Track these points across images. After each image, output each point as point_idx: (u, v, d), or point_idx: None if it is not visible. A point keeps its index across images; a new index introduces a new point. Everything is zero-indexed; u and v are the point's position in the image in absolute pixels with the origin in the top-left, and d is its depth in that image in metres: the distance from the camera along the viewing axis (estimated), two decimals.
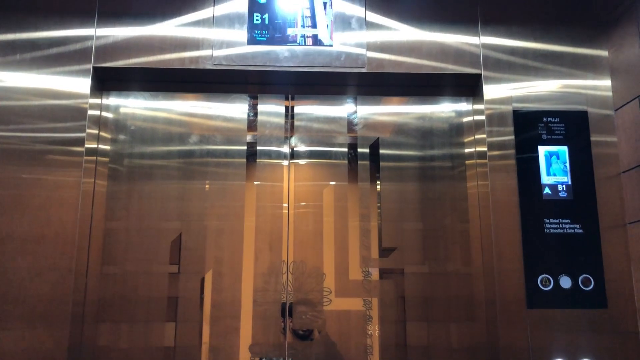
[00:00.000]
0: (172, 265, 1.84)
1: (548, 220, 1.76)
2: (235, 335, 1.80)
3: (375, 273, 1.89)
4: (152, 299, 1.80)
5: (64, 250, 1.68)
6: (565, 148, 1.82)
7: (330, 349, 1.83)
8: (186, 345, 1.79)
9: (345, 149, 1.97)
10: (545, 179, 1.79)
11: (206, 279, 1.84)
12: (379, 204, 1.95)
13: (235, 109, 1.97)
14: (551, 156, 1.81)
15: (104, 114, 1.93)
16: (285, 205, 1.91)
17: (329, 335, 1.85)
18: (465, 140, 1.97)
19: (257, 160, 1.94)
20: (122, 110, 1.95)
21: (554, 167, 1.80)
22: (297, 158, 1.96)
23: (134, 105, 1.96)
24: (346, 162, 1.97)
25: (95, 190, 1.84)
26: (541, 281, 1.71)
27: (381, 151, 1.96)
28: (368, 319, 1.86)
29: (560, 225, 1.76)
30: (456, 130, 1.99)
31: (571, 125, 1.84)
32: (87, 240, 1.78)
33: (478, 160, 1.90)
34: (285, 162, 1.95)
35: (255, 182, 1.93)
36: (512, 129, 1.83)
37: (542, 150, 1.82)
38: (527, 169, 1.80)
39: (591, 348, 1.67)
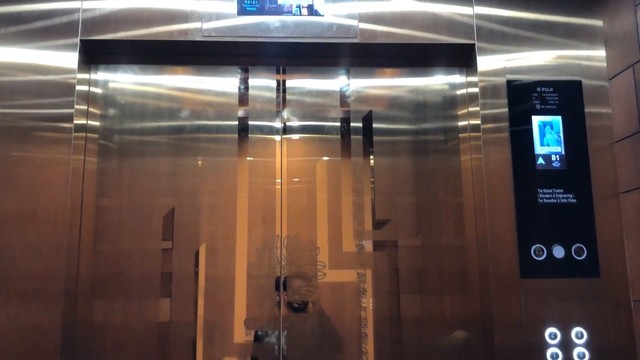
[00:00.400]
0: (165, 241, 1.83)
1: (541, 191, 1.76)
2: (230, 310, 1.80)
3: (368, 246, 1.89)
4: (146, 275, 1.79)
5: (55, 227, 1.66)
6: (559, 118, 1.81)
7: (325, 321, 1.84)
8: (181, 320, 1.79)
9: (338, 123, 1.95)
10: (539, 149, 1.78)
11: (200, 254, 1.83)
12: (372, 178, 1.95)
13: (226, 83, 1.94)
14: (545, 126, 1.80)
15: (93, 89, 1.89)
16: (278, 180, 1.90)
17: (323, 308, 1.85)
18: (459, 113, 1.96)
19: (249, 135, 1.92)
20: (111, 85, 1.92)
21: (547, 137, 1.79)
22: (290, 133, 1.94)
23: (123, 80, 1.93)
24: (339, 136, 1.95)
25: (86, 167, 1.82)
26: (534, 251, 1.72)
27: (374, 125, 1.95)
28: (362, 292, 1.87)
29: (554, 195, 1.76)
30: (449, 103, 1.98)
31: (565, 95, 1.82)
32: (79, 217, 1.77)
33: (471, 134, 1.88)
34: (277, 137, 1.93)
35: (248, 158, 1.91)
36: (505, 100, 1.82)
37: (536, 120, 1.80)
38: (521, 140, 1.79)
39: (583, 316, 1.69)
